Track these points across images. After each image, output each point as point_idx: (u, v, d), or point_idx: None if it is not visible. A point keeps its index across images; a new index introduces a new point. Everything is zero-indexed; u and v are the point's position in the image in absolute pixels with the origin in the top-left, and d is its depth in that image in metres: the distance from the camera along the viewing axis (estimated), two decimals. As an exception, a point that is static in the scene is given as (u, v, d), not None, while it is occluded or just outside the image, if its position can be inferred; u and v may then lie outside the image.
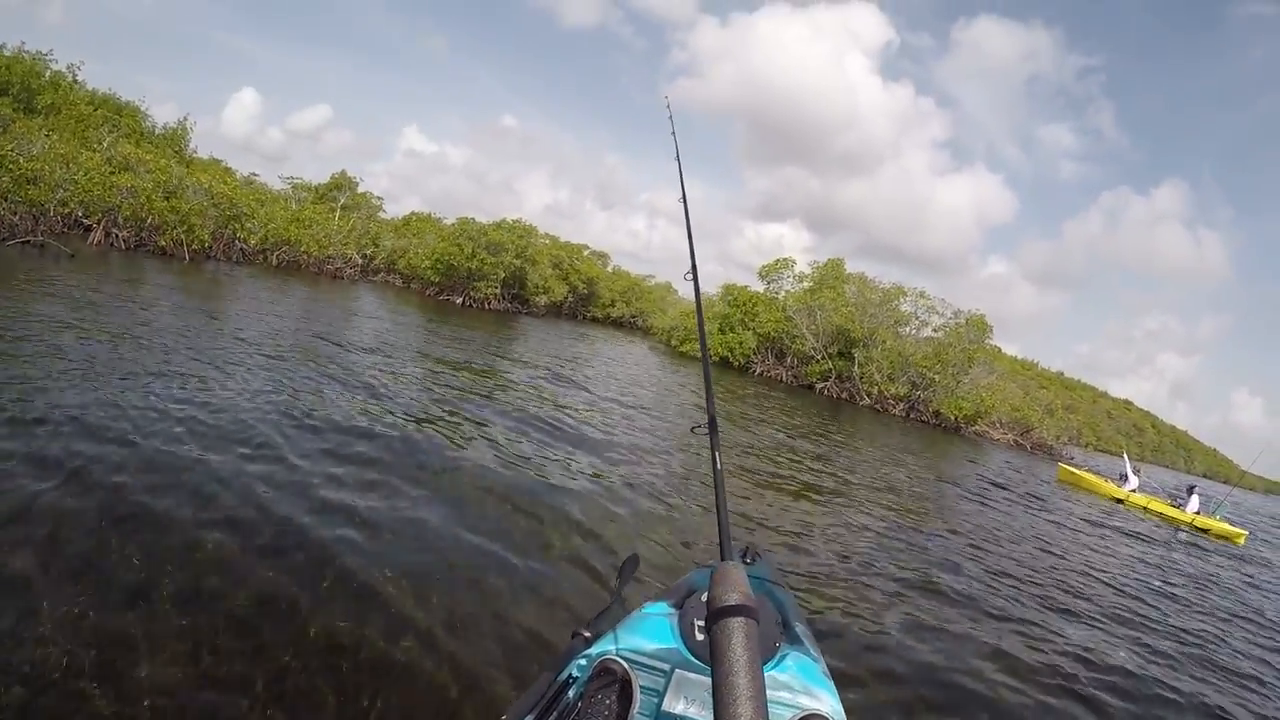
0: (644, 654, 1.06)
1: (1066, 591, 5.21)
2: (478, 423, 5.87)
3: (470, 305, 23.66)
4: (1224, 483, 22.21)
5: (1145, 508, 12.76)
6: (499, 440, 5.46)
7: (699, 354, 19.49)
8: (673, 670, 1.01)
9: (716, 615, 0.73)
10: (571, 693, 1.06)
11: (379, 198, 25.82)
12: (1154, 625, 4.93)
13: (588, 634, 1.19)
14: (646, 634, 1.11)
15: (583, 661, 1.11)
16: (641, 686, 0.99)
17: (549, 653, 2.42)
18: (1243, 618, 6.00)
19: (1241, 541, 12.03)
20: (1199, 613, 5.81)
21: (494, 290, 23.42)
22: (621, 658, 1.03)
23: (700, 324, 1.46)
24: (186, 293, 11.04)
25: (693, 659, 1.06)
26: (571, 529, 3.79)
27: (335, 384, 6.11)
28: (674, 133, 2.07)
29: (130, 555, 2.44)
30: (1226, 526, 12.29)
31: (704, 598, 1.04)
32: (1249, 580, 8.39)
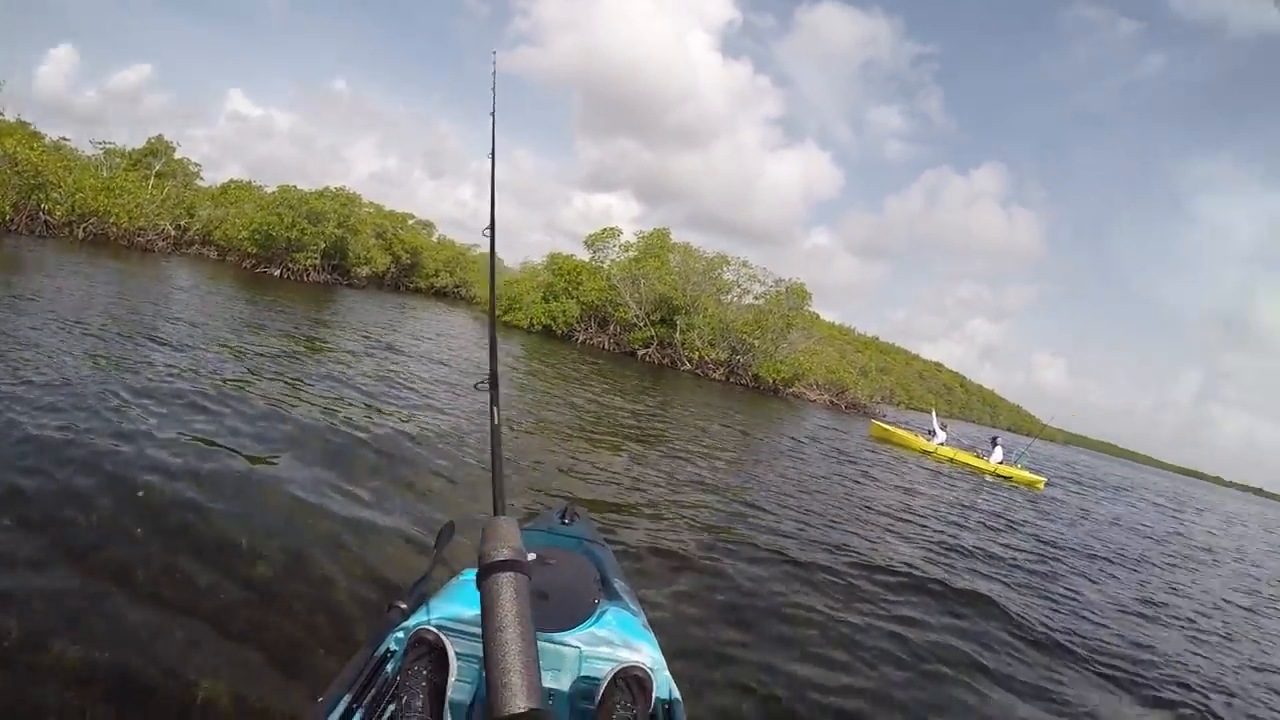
0: (462, 621, 1.05)
1: (876, 526, 5.74)
2: (293, 396, 5.65)
3: (289, 277, 23.59)
4: (1026, 435, 24.53)
5: (952, 459, 13.93)
6: (316, 412, 5.25)
7: (522, 323, 20.08)
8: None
9: (485, 571, 0.73)
10: (390, 667, 1.05)
11: (196, 164, 25.17)
12: (958, 550, 5.54)
13: (404, 605, 1.17)
14: (463, 600, 1.10)
15: (400, 634, 1.09)
16: (458, 654, 0.98)
17: (369, 627, 2.31)
18: (1036, 540, 7.10)
19: (1041, 487, 13.31)
20: (995, 538, 6.64)
21: (314, 261, 23.38)
22: (436, 627, 1.02)
23: (491, 281, 1.48)
24: None
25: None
26: (388, 499, 3.69)
27: (142, 363, 5.88)
28: (494, 88, 2.00)
29: None
30: (1027, 474, 13.49)
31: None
32: (1044, 515, 9.67)
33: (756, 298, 25.24)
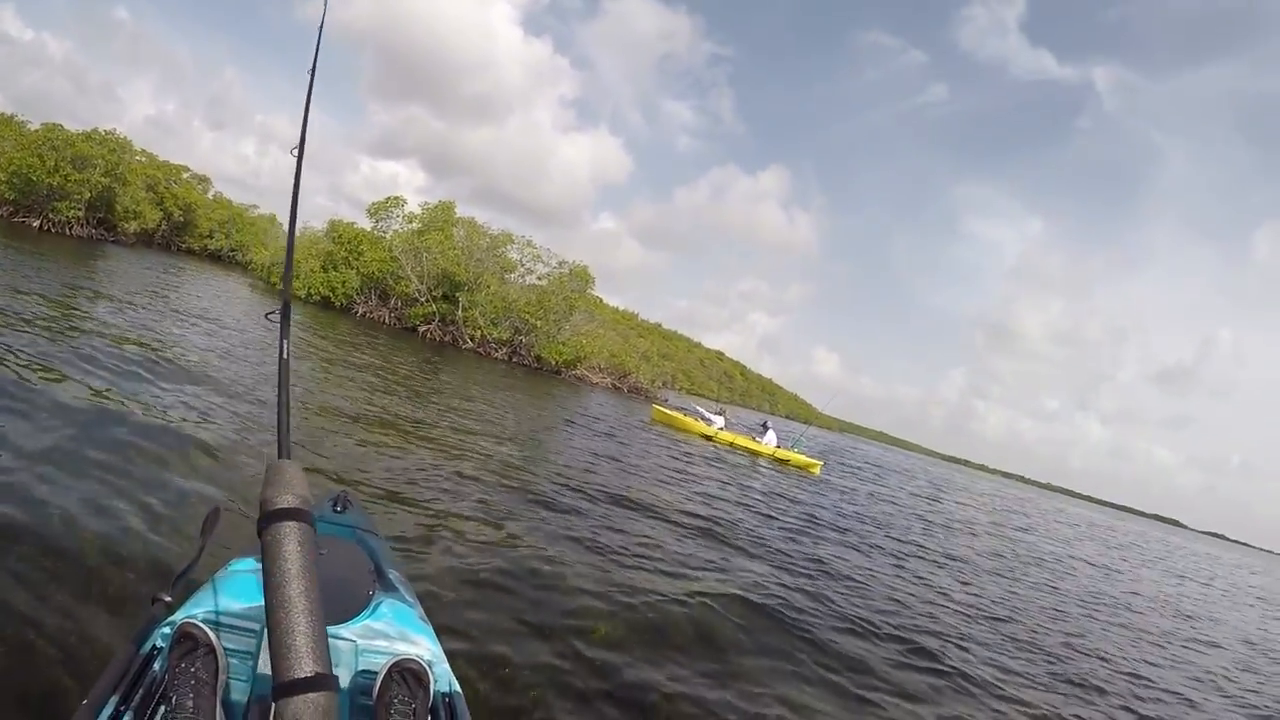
0: (232, 614, 1.06)
1: (656, 504, 6.24)
2: (45, 364, 5.34)
3: (49, 230, 24.35)
4: (805, 423, 27.90)
5: (732, 443, 15.35)
6: (72, 383, 4.99)
7: (299, 293, 21.47)
8: (263, 629, 0.99)
9: (268, 520, 0.70)
10: (157, 665, 1.04)
11: (-59, 93, 24.58)
12: (737, 526, 6.13)
13: (168, 598, 1.15)
14: (233, 593, 1.11)
15: (166, 629, 1.09)
16: (228, 649, 0.99)
17: (130, 623, 2.23)
18: (809, 518, 8.24)
19: (817, 471, 14.80)
20: (771, 516, 7.57)
21: (77, 213, 24.23)
22: (203, 621, 1.02)
23: (294, 208, 1.49)
24: None
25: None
26: (148, 481, 3.51)
27: None
28: (319, 44, 1.95)
29: None
30: (803, 458, 14.94)
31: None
32: (818, 494, 11.13)
33: (540, 278, 27.26)
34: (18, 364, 5.10)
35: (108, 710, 0.95)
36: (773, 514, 7.93)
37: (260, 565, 0.89)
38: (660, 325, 45.09)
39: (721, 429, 16.00)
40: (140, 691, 1.02)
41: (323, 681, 0.62)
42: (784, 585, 4.69)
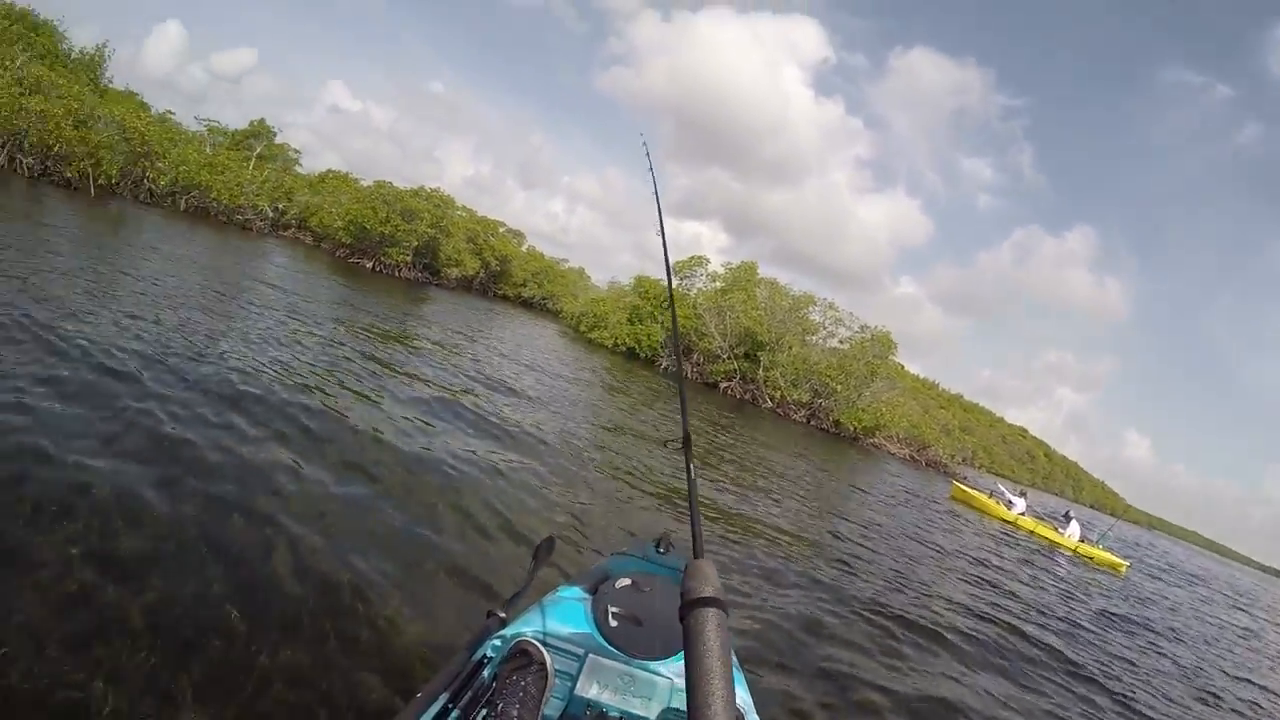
0: (559, 637, 1.18)
1: (968, 594, 6.32)
2: (393, 397, 6.13)
3: (380, 271, 25.70)
4: (1111, 515, 25.43)
5: (1032, 531, 14.71)
6: (415, 415, 5.71)
7: (606, 342, 21.82)
8: (586, 655, 1.12)
9: (690, 606, 0.81)
10: (486, 673, 1.17)
11: (296, 150, 28.02)
12: (1044, 624, 6.06)
13: (502, 614, 1.30)
14: (561, 617, 1.23)
15: (497, 642, 1.23)
16: (555, 670, 1.10)
17: (465, 632, 2.51)
18: (1119, 621, 7.72)
19: (1123, 571, 13.78)
20: (1079, 617, 7.21)
21: (405, 258, 25.53)
22: (537, 640, 1.15)
23: (677, 351, 1.70)
24: (89, 230, 12.26)
25: (606, 645, 1.18)
26: (487, 509, 4.05)
27: (237, 343, 6.30)
28: (651, 169, 2.19)
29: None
30: (1109, 556, 14.01)
31: (617, 584, 1.23)
32: (1124, 599, 10.21)
33: (841, 341, 26.91)
34: (369, 394, 5.98)
35: (437, 706, 1.06)
36: (1074, 615, 7.41)
37: (586, 595, 1.28)
38: (961, 396, 43.91)
39: (1022, 514, 15.38)
40: (468, 695, 1.13)
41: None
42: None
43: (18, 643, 1.91)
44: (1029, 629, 5.79)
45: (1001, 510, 15.24)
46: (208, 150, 26.75)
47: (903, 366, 31.16)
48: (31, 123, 18.28)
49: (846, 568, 5.74)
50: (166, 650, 2.02)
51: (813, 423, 26.75)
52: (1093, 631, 6.90)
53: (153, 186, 24.08)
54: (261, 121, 28.15)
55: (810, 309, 27.35)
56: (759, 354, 26.49)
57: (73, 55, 27.61)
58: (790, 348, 26.75)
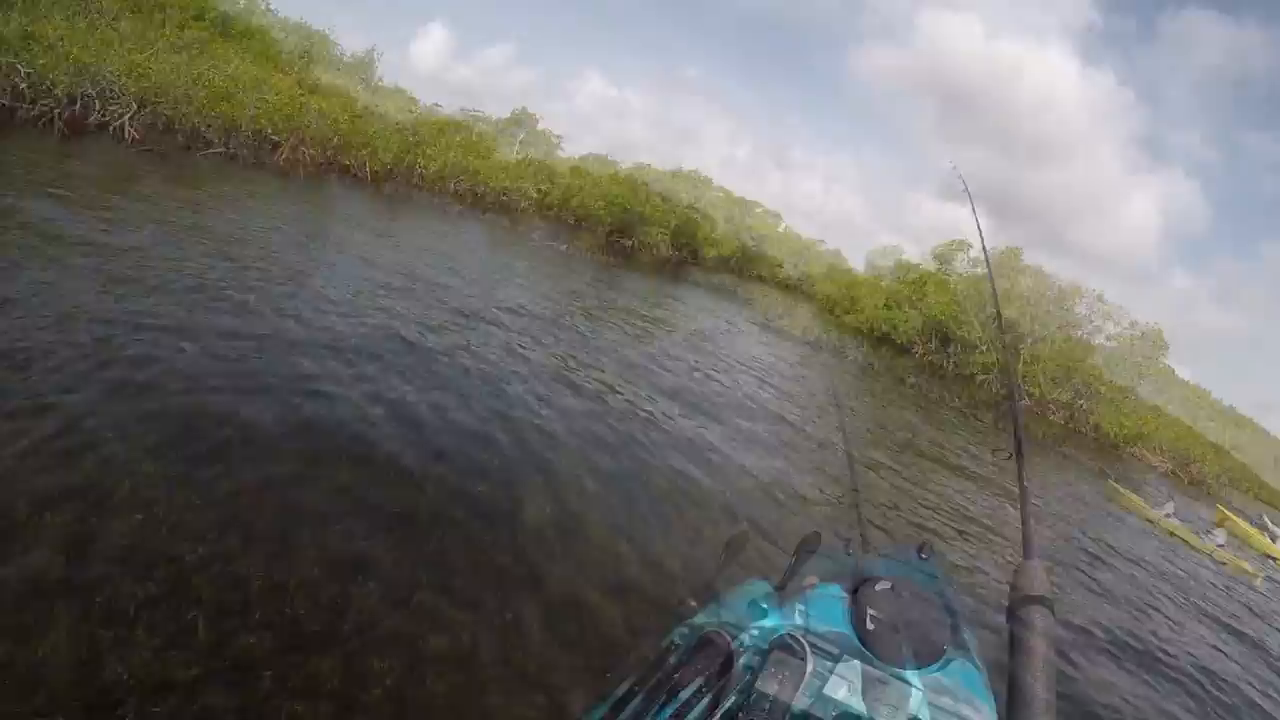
0: (744, 630, 1.28)
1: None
2: (628, 377, 6.75)
3: (639, 250, 27.85)
4: None
5: (1171, 532, 14.52)
6: (643, 394, 6.28)
7: (861, 326, 23.30)
8: (770, 649, 1.20)
9: (1021, 602, 0.92)
10: (672, 660, 1.27)
11: (557, 136, 30.61)
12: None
13: (694, 603, 1.45)
14: (749, 611, 1.35)
15: (685, 630, 1.36)
16: (740, 663, 1.20)
17: (658, 618, 2.83)
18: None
19: (1258, 580, 13.32)
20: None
21: (664, 237, 27.60)
22: (725, 630, 1.25)
23: (1014, 403, 1.84)
24: (368, 209, 14.73)
25: (787, 640, 1.25)
26: (696, 497, 4.47)
27: (508, 313, 7.39)
28: (969, 194, 2.44)
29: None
30: (1243, 564, 13.63)
31: (878, 586, 1.32)
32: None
33: (1108, 338, 26.71)
34: (610, 371, 6.66)
35: (622, 689, 1.20)
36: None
37: (773, 591, 1.38)
38: (1234, 408, 42.88)
39: (1168, 516, 14.87)
40: (653, 680, 1.22)
41: None
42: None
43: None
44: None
45: (1150, 511, 15.07)
46: (474, 138, 30.06)
47: (1173, 370, 30.53)
48: (312, 119, 20.61)
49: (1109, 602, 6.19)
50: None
51: (1070, 425, 26.88)
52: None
53: (422, 172, 27.50)
54: (524, 109, 31.47)
55: (1077, 301, 27.37)
56: (1019, 347, 26.82)
57: (345, 60, 31.73)
58: (1053, 341, 26.92)
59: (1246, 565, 14.05)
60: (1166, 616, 7.22)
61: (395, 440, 3.67)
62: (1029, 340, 26.89)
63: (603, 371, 6.69)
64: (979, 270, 28.10)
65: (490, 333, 6.66)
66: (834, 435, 7.52)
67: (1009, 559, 5.49)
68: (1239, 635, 7.83)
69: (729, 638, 1.22)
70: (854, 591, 1.38)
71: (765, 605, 1.34)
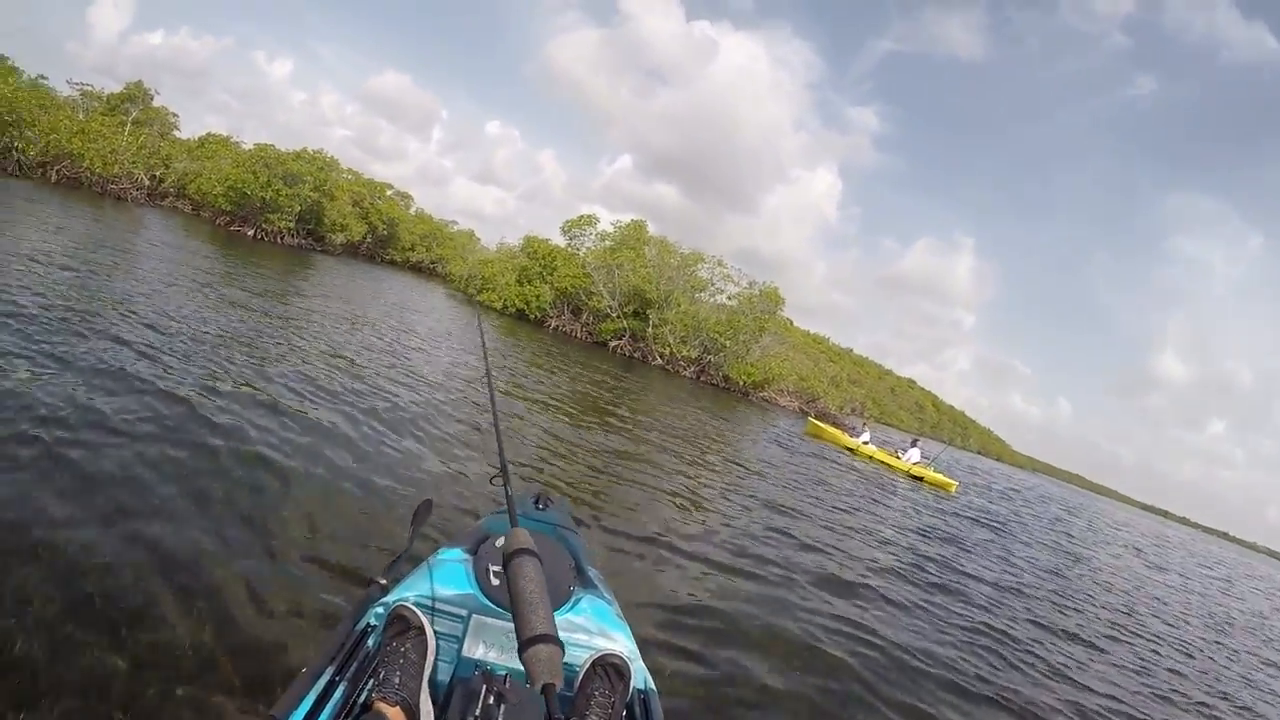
0: (441, 600, 1.48)
1: (796, 511, 8.91)
2: (268, 365, 7.79)
3: (262, 238, 31.73)
4: (995, 459, 32.90)
5: (871, 456, 20.51)
6: (292, 382, 7.25)
7: (495, 304, 28.61)
8: (470, 615, 1.40)
9: (511, 557, 1.22)
10: (370, 641, 1.45)
11: (174, 114, 32.84)
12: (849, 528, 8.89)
13: (384, 581, 1.63)
14: (442, 580, 1.55)
15: (380, 609, 1.54)
16: (438, 632, 1.36)
17: (347, 601, 3.26)
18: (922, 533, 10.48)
19: (953, 489, 18.35)
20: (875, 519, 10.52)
21: (288, 224, 31.50)
22: (417, 605, 1.42)
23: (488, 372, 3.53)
24: None
25: (489, 604, 1.49)
26: (363, 474, 5.16)
27: (106, 321, 7.55)
28: None
29: None
30: (939, 476, 18.69)
31: (498, 544, 1.56)
32: (941, 509, 14.31)
33: (730, 298, 33.38)
34: (246, 363, 7.54)
35: (324, 678, 1.38)
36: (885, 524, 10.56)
37: (467, 556, 1.72)
38: (851, 351, 51.21)
39: (865, 443, 21.24)
40: (354, 665, 1.46)
41: (551, 639, 1.08)
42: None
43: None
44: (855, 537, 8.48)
45: (846, 439, 21.66)
46: (81, 117, 31.38)
47: (791, 322, 38.01)
48: None
49: (721, 505, 8.02)
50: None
51: (702, 378, 33.86)
52: (902, 535, 9.74)
53: (20, 157, 28.77)
54: (138, 84, 33.15)
55: (699, 266, 33.71)
56: (648, 312, 32.88)
57: None
58: (679, 305, 33.19)
59: (942, 476, 19.07)
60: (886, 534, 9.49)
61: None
62: (657, 306, 32.89)
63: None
64: (607, 244, 33.72)
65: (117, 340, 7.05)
66: (470, 410, 8.94)
67: (622, 498, 6.88)
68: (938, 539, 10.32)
69: (418, 611, 1.46)
70: (474, 552, 1.71)
71: (456, 571, 1.63)
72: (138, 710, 2.35)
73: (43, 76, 34.60)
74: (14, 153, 28.59)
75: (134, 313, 8.42)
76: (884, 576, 7.05)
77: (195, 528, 3.64)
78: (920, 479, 18.68)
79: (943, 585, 7.38)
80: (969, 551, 10.05)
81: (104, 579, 2.98)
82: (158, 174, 32.59)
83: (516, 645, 1.19)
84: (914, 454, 20.25)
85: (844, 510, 10.43)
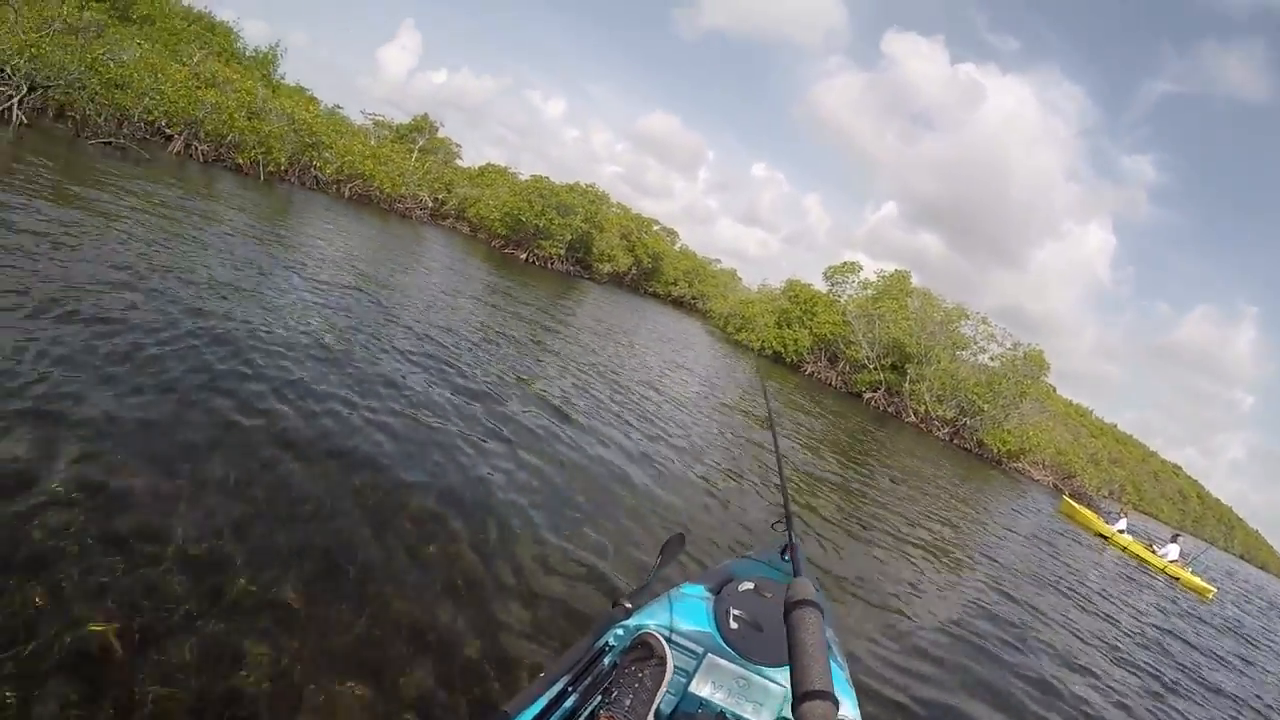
0: (679, 633, 1.53)
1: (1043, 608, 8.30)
2: (541, 383, 8.27)
3: (533, 262, 33.51)
4: (1260, 567, 30.64)
5: (1125, 548, 19.40)
6: (561, 403, 7.67)
7: (753, 344, 29.27)
8: (704, 654, 1.43)
9: (792, 607, 1.19)
10: (607, 660, 1.53)
11: (457, 144, 35.66)
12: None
13: (628, 605, 1.71)
14: (683, 615, 1.60)
15: (620, 631, 1.62)
16: (674, 665, 1.40)
17: (590, 617, 3.50)
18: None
19: (1210, 597, 17.04)
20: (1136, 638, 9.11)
21: (559, 251, 33.17)
22: (660, 633, 1.48)
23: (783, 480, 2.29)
24: (260, 210, 16.25)
25: (724, 646, 1.51)
26: (622, 500, 5.46)
27: (399, 325, 8.48)
28: None
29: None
30: (1197, 579, 17.49)
31: (740, 587, 1.68)
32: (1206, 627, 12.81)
33: (992, 359, 32.64)
34: (518, 379, 8.08)
35: (557, 686, 1.46)
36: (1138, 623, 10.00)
37: (709, 595, 1.79)
38: (1115, 427, 49.53)
39: (1121, 532, 20.05)
40: (588, 679, 1.54)
41: (827, 695, 1.06)
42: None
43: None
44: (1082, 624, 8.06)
45: (1102, 525, 20.49)
46: (372, 142, 34.45)
47: (1054, 389, 36.72)
48: (207, 113, 23.89)
49: (972, 585, 7.73)
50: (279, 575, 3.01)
51: (955, 441, 33.04)
52: (1148, 637, 9.03)
53: (318, 174, 31.77)
54: (424, 116, 36.31)
55: (962, 323, 33.19)
56: (906, 366, 32.53)
57: (247, 53, 35.90)
58: (939, 361, 32.65)
59: (1199, 580, 17.95)
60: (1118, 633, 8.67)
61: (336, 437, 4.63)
62: (916, 361, 32.55)
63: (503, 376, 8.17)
64: (868, 293, 33.74)
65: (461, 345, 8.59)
66: (736, 448, 9.36)
67: (866, 561, 6.86)
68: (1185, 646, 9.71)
69: (663, 641, 1.51)
70: (717, 591, 1.77)
71: (698, 608, 1.67)
72: (383, 673, 2.67)
73: (339, 106, 38.53)
74: (313, 170, 31.68)
75: (431, 315, 10.01)
76: (1125, 669, 6.92)
77: (472, 519, 4.15)
78: (1176, 579, 17.49)
79: (1178, 690, 7.08)
80: (1215, 662, 9.47)
81: (366, 551, 3.42)
82: (440, 197, 35.35)
83: (748, 693, 1.29)
84: (1173, 550, 18.90)
85: (1087, 596, 10.05)
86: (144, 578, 2.74)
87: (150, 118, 21.16)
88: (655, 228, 44.57)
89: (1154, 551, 19.08)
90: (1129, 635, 8.85)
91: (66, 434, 3.48)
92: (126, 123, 19.96)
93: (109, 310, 5.40)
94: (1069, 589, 10.13)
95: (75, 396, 3.88)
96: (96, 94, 18.88)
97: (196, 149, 22.90)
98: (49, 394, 3.80)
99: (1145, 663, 7.69)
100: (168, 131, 22.16)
